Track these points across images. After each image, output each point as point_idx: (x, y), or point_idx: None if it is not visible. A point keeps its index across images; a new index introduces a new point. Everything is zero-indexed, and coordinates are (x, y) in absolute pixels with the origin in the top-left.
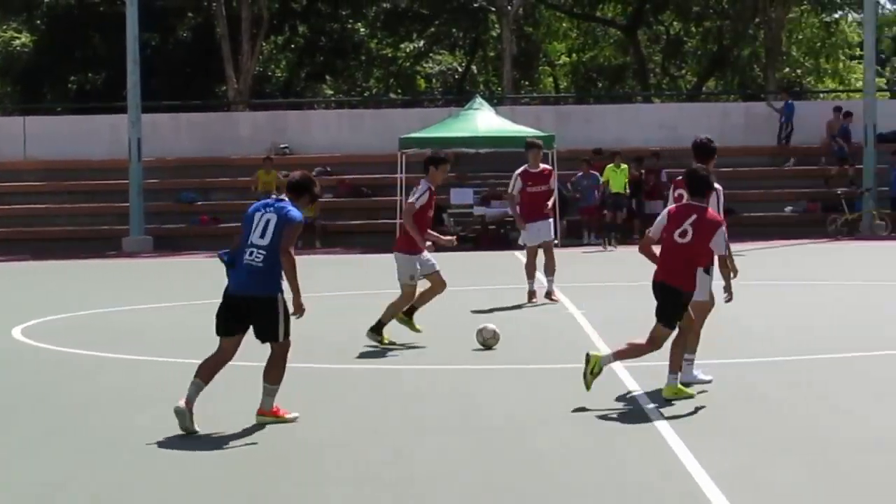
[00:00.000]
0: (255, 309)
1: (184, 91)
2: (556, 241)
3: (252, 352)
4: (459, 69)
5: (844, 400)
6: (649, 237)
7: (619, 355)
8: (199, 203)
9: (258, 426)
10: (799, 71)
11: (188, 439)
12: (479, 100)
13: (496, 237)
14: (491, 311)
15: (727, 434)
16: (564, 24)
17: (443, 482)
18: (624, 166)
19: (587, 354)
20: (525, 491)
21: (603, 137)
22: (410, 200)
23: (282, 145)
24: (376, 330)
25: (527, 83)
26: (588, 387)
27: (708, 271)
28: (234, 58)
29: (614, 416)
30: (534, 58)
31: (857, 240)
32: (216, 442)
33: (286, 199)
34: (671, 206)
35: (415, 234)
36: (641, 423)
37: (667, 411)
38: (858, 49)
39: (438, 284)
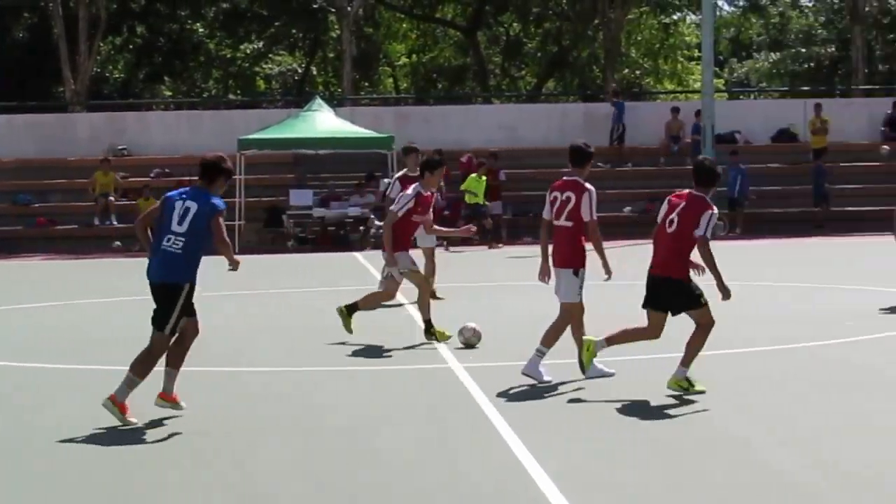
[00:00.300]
0: (160, 293)
1: (20, 92)
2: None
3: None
4: (299, 70)
5: (687, 400)
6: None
7: (613, 339)
8: (36, 205)
9: (97, 430)
10: (638, 72)
11: (15, 441)
12: (318, 101)
13: (336, 238)
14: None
15: (567, 434)
16: (404, 25)
17: (281, 482)
18: (484, 178)
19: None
20: (363, 490)
21: (443, 138)
22: (392, 209)
23: (120, 146)
24: (428, 331)
25: (367, 84)
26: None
27: (577, 273)
28: (71, 58)
29: (454, 415)
30: (374, 59)
31: None
32: (47, 444)
33: (200, 185)
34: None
35: (387, 243)
36: (481, 423)
37: (506, 411)
38: (697, 50)
39: (390, 292)
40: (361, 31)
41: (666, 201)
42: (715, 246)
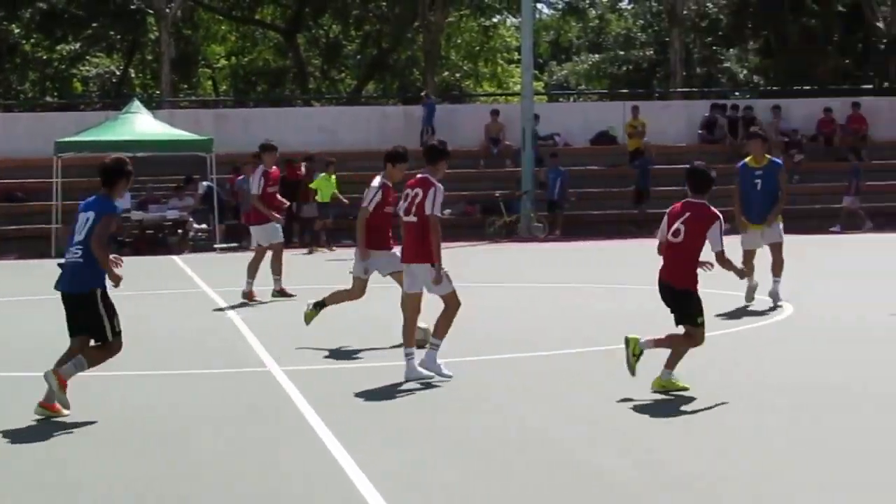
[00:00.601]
0: (77, 306)
1: None
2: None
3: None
4: (117, 72)
5: (504, 400)
6: (661, 240)
7: (659, 343)
8: None
9: None
10: (458, 74)
11: None
12: (136, 103)
13: (154, 241)
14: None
15: (388, 436)
16: (223, 27)
17: (100, 488)
18: (333, 177)
19: (626, 338)
20: (181, 495)
21: (262, 141)
22: (364, 204)
23: None
24: (318, 306)
25: (186, 86)
26: (633, 371)
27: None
28: None
29: (274, 419)
30: (193, 61)
31: (516, 242)
32: None
33: (103, 193)
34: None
35: (360, 239)
36: (301, 426)
37: (326, 414)
38: (516, 53)
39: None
40: (180, 33)
41: (665, 216)
42: (535, 247)
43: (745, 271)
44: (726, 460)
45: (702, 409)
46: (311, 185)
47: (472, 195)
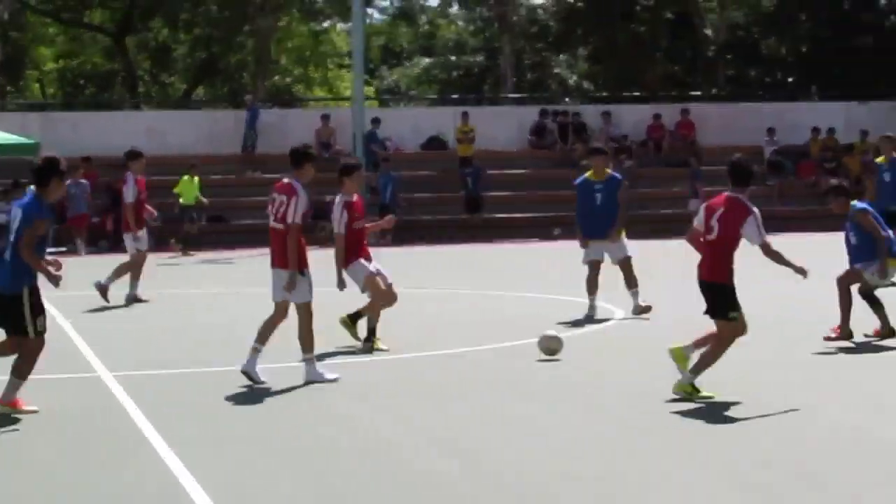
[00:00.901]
0: (3, 304)
1: None
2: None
3: None
4: None
5: (340, 406)
6: (695, 229)
7: (699, 344)
8: None
9: None
10: (289, 79)
11: None
12: None
13: None
14: None
15: (220, 442)
16: (51, 30)
17: None
18: (196, 179)
19: (670, 350)
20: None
21: (92, 144)
22: (336, 231)
23: None
24: (371, 335)
25: (12, 89)
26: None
27: (304, 273)
28: None
29: (105, 425)
30: (20, 63)
31: None
32: None
33: (36, 192)
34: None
35: (339, 263)
36: (131, 433)
37: (157, 420)
38: (347, 58)
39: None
40: (7, 35)
41: (702, 208)
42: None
43: (800, 268)
44: (559, 461)
45: (536, 413)
46: (175, 189)
47: None
